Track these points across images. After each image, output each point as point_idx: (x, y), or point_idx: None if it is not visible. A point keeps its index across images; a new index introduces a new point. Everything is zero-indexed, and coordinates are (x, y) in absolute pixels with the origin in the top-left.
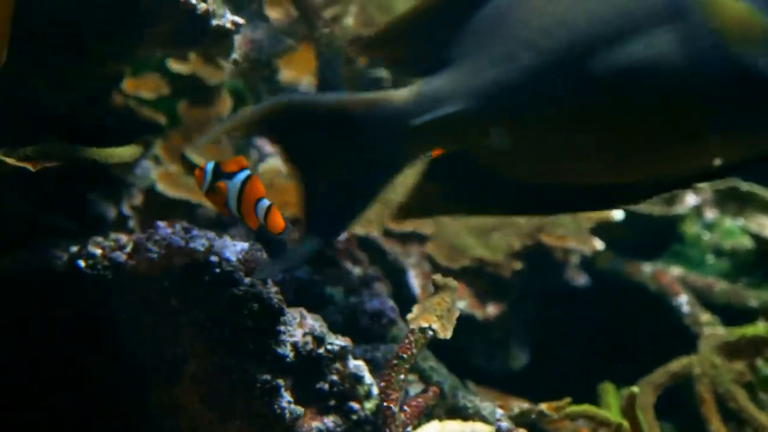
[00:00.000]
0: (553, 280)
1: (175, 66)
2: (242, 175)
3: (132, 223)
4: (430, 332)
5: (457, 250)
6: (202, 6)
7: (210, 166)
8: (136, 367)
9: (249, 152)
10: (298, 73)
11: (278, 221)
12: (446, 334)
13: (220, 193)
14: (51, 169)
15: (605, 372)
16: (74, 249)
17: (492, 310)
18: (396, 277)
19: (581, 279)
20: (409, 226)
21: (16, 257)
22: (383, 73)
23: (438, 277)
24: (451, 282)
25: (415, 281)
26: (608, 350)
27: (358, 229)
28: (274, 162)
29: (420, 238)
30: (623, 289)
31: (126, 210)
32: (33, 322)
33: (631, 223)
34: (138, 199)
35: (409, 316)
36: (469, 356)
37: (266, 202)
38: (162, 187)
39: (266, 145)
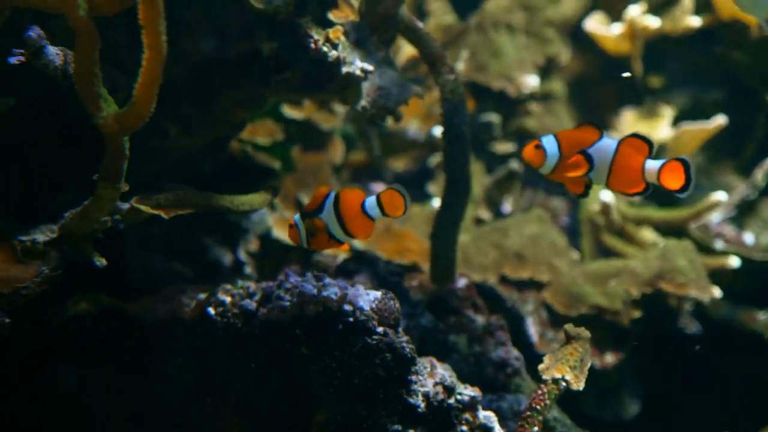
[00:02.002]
0: (667, 327)
1: (289, 111)
2: (329, 199)
3: (248, 269)
4: (564, 383)
5: (574, 297)
6: (333, 53)
7: (297, 217)
8: (263, 415)
9: None
10: (405, 118)
11: (398, 205)
12: (579, 385)
13: (320, 230)
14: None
15: (718, 422)
16: (202, 296)
17: (610, 358)
18: (514, 324)
19: (694, 327)
20: (525, 273)
21: (141, 303)
22: (493, 117)
23: (570, 327)
24: (584, 332)
25: (533, 329)
26: (722, 400)
27: (476, 275)
28: None
29: (537, 285)
30: (737, 337)
31: (242, 256)
32: (161, 368)
33: (744, 270)
34: (254, 245)
35: (541, 366)
36: (581, 404)
37: (373, 198)
38: (278, 233)
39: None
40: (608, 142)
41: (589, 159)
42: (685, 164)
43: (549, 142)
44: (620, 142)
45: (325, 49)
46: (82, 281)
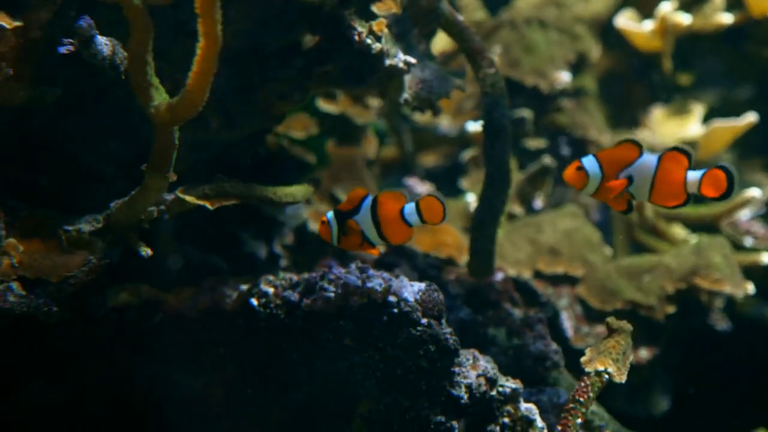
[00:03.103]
0: (698, 323)
1: (324, 105)
2: (367, 202)
3: (284, 262)
4: (606, 376)
5: (609, 292)
6: (377, 46)
7: (330, 214)
8: (306, 406)
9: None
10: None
11: (437, 212)
12: (622, 378)
13: (353, 232)
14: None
15: (748, 419)
16: (244, 287)
17: (644, 354)
18: (549, 318)
19: (725, 324)
20: (560, 268)
21: (181, 294)
22: (525, 113)
23: (612, 320)
24: (626, 325)
25: (567, 324)
26: (752, 396)
27: (510, 269)
28: None
29: (571, 280)
30: (766, 334)
31: (277, 249)
32: (202, 359)
33: None
34: (289, 238)
35: (583, 359)
36: (611, 398)
37: (412, 205)
38: (313, 226)
39: (417, 186)
40: (649, 158)
41: (629, 180)
42: (727, 172)
43: (590, 163)
44: (660, 157)
45: (368, 41)
46: (115, 271)
